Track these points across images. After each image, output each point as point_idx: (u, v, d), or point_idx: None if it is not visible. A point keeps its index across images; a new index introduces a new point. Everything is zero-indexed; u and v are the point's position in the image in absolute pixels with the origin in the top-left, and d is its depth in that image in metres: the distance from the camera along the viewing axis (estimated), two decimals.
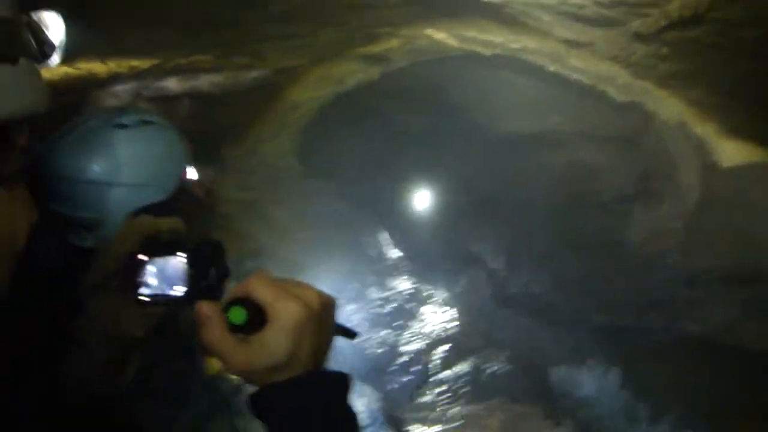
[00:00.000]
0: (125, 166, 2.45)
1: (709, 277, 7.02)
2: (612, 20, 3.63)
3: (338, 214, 8.36)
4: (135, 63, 5.55)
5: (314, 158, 8.69)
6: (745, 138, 4.97)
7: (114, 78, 5.64)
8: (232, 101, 6.90)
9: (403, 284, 8.27)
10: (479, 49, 6.01)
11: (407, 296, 8.12)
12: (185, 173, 2.79)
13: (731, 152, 5.25)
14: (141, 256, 1.48)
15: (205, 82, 6.57)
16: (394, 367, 6.65)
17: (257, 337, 1.20)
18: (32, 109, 1.03)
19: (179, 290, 1.42)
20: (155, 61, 5.59)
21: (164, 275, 1.46)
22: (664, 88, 4.70)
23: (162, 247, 1.51)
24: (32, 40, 1.06)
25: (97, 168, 2.42)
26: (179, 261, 1.43)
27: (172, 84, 6.46)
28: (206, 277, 1.41)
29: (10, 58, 0.98)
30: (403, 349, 7.11)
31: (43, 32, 1.08)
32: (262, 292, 1.21)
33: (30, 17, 1.04)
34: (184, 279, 1.41)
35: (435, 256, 8.71)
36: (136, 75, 5.82)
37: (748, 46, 3.43)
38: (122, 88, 6.07)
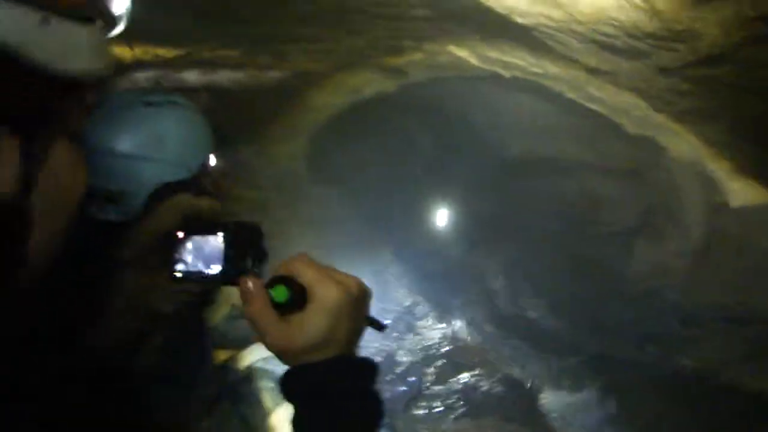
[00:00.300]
0: (153, 141, 2.51)
1: (707, 316, 7.05)
2: (640, 52, 3.66)
3: (344, 221, 8.40)
4: (160, 51, 5.59)
5: (324, 165, 8.72)
6: (756, 179, 5.00)
7: (137, 64, 5.68)
8: (250, 99, 6.94)
9: (403, 297, 8.31)
10: (499, 70, 6.04)
11: (406, 309, 8.15)
12: (209, 157, 2.84)
13: (741, 192, 5.28)
14: (179, 234, 1.51)
15: (225, 77, 6.61)
16: (390, 377, 6.67)
17: (297, 317, 1.23)
18: (103, 69, 1.08)
19: (216, 269, 1.44)
20: (180, 52, 5.63)
21: (201, 254, 1.48)
22: (680, 123, 4.73)
23: (201, 226, 1.53)
24: (104, 7, 1.10)
25: (125, 141, 2.48)
26: (217, 240, 1.45)
27: (193, 76, 6.50)
28: (244, 258, 1.43)
29: (88, 18, 1.02)
30: (399, 359, 7.14)
31: (112, 1, 1.13)
32: (305, 273, 1.24)
33: None
34: (221, 258, 1.43)
35: (436, 272, 8.74)
36: (159, 64, 5.86)
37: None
38: (143, 76, 6.11)
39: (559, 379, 7.20)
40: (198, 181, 2.80)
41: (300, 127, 8.30)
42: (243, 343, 4.50)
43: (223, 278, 1.39)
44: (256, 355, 4.19)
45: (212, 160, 2.97)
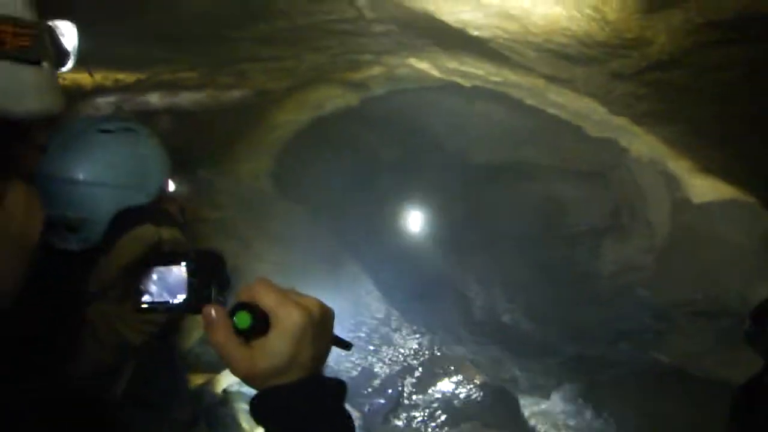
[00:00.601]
0: (109, 167, 2.52)
1: (676, 311, 7.15)
2: (594, 59, 3.71)
3: (312, 237, 8.39)
4: (120, 76, 5.57)
5: (289, 181, 8.71)
6: (716, 176, 5.08)
7: (98, 90, 5.65)
8: (211, 120, 6.91)
9: (376, 309, 8.32)
10: (459, 80, 6.08)
11: (380, 321, 8.16)
12: (167, 181, 2.85)
13: (702, 189, 5.35)
14: (143, 265, 1.52)
15: (186, 99, 6.58)
16: (368, 390, 6.68)
17: (260, 342, 1.25)
18: (52, 109, 1.09)
19: (180, 299, 1.45)
20: (141, 76, 5.61)
21: (166, 284, 1.49)
22: (640, 125, 4.79)
23: (163, 257, 1.54)
24: (51, 46, 1.11)
25: (81, 168, 2.49)
26: (181, 270, 1.46)
27: (154, 99, 6.47)
28: (207, 286, 1.44)
29: (34, 60, 1.03)
30: (377, 372, 7.15)
31: (60, 39, 1.14)
32: (266, 298, 1.26)
33: (48, 24, 1.10)
34: (184, 288, 1.44)
35: (408, 282, 8.76)
36: (120, 88, 5.84)
37: (722, 88, 3.54)
38: (104, 101, 6.07)
39: (537, 381, 7.27)
40: (159, 207, 2.81)
41: (263, 145, 8.28)
42: (218, 366, 4.49)
43: (187, 307, 1.41)
44: (231, 379, 4.19)
45: (171, 185, 2.98)
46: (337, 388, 1.34)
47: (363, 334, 7.85)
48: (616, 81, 3.89)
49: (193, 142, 6.87)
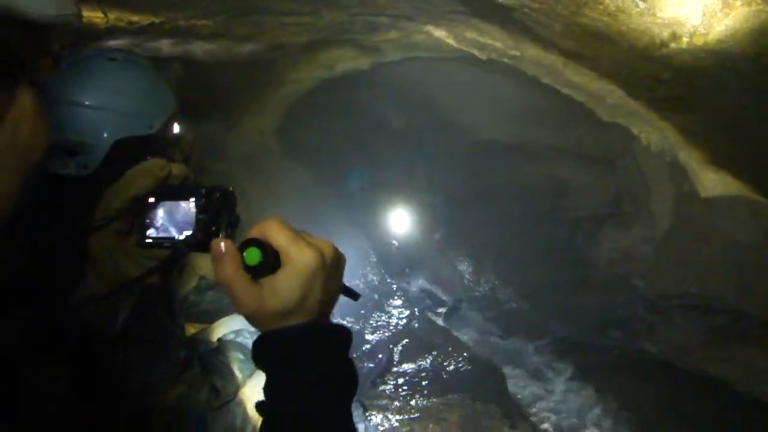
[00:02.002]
0: (114, 93, 2.53)
1: (671, 303, 7.16)
2: (622, 36, 3.66)
3: (313, 197, 8.38)
4: (135, 18, 5.49)
5: (294, 140, 8.68)
6: (728, 170, 5.04)
7: (111, 31, 5.58)
8: (222, 73, 6.86)
9: (371, 275, 8.32)
10: (476, 51, 6.02)
11: (373, 287, 8.17)
12: (172, 121, 2.83)
13: (711, 183, 5.31)
14: (150, 198, 1.49)
15: (199, 48, 6.51)
16: (358, 354, 6.68)
17: (269, 280, 1.22)
18: (70, 15, 1.06)
19: (187, 235, 1.42)
20: (155, 19, 5.54)
21: (173, 219, 1.46)
22: (656, 111, 4.74)
23: (172, 191, 1.51)
24: None
25: (87, 92, 2.50)
26: (190, 206, 1.42)
27: (166, 46, 6.39)
28: (216, 223, 1.41)
29: None
30: (367, 338, 7.16)
31: None
32: (278, 236, 1.23)
33: None
34: (192, 224, 1.41)
35: (403, 252, 8.77)
36: (133, 31, 5.76)
37: (752, 80, 3.49)
38: (116, 44, 6.00)
39: (525, 360, 7.29)
40: (164, 145, 2.78)
41: (271, 102, 8.24)
42: (212, 316, 4.48)
43: (193, 244, 1.37)
44: (226, 328, 4.16)
45: (176, 128, 2.96)
46: (344, 334, 1.31)
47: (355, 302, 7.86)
48: (642, 61, 3.83)
49: (201, 93, 6.82)
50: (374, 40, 6.66)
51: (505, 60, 5.91)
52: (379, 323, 7.56)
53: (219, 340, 4.00)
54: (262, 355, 1.27)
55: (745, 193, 5.26)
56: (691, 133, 4.88)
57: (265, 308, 1.21)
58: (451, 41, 6.04)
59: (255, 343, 1.27)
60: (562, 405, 6.61)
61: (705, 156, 5.09)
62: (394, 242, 8.83)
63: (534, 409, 6.53)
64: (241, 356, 3.74)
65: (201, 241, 1.39)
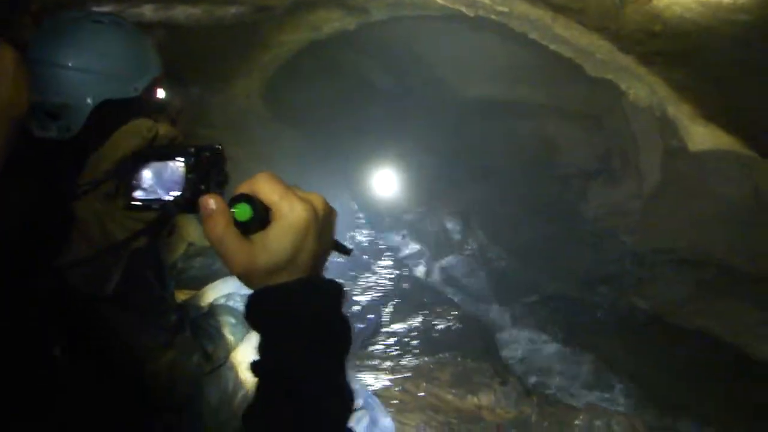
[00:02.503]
0: (98, 55, 2.51)
1: (659, 258, 7.20)
2: None
3: (301, 160, 8.35)
4: None
5: (281, 103, 8.61)
6: (718, 124, 5.03)
7: None
8: (206, 36, 6.79)
9: (360, 236, 8.34)
10: (463, 8, 5.96)
11: (363, 249, 8.18)
12: (157, 84, 2.81)
13: (701, 137, 5.29)
14: (138, 160, 1.46)
15: (181, 13, 6.44)
16: (348, 315, 6.70)
17: (260, 236, 1.20)
18: None
19: (175, 195, 1.39)
20: None
21: (161, 180, 1.43)
22: (647, 65, 4.72)
23: (160, 151, 1.48)
24: None
25: (69, 52, 2.48)
26: (178, 165, 1.40)
27: (148, 11, 6.32)
28: (205, 183, 1.39)
29: None
30: (357, 298, 7.18)
31: None
32: (268, 190, 1.21)
33: None
34: (181, 184, 1.38)
35: (392, 212, 8.77)
36: None
37: (743, 31, 3.47)
38: (98, 10, 5.94)
39: (515, 317, 7.33)
40: (149, 108, 2.76)
41: (257, 65, 8.16)
42: (201, 283, 4.47)
43: (182, 204, 1.35)
44: (216, 292, 4.16)
45: (161, 92, 2.94)
46: (337, 290, 1.29)
47: (344, 260, 7.88)
48: (631, 14, 3.80)
49: (186, 58, 6.76)
50: (360, 0, 6.60)
51: (493, 17, 5.86)
52: (368, 284, 7.59)
53: (210, 304, 4.00)
54: (254, 313, 1.25)
55: (735, 147, 5.26)
56: (681, 87, 4.86)
57: (256, 265, 1.19)
58: None
59: (247, 302, 1.25)
60: (551, 362, 6.66)
61: (695, 110, 5.08)
62: (383, 202, 8.83)
63: (524, 367, 6.58)
64: (232, 320, 3.74)
65: (190, 200, 1.36)
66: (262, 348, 1.25)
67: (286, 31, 7.43)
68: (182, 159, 1.38)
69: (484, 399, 5.53)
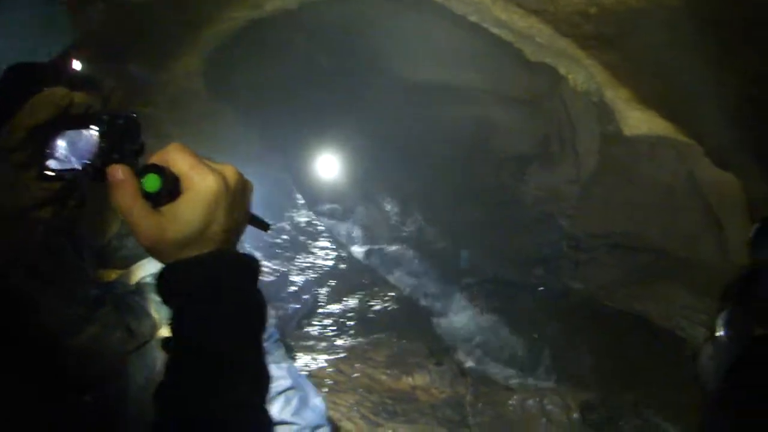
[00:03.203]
0: (7, 18, 2.46)
1: (595, 242, 7.30)
2: None
3: (240, 140, 8.27)
4: None
5: (221, 81, 8.50)
6: (653, 108, 5.11)
7: None
8: (148, 12, 6.65)
9: (298, 217, 8.31)
10: None
11: (300, 229, 8.15)
12: (72, 53, 2.77)
13: (636, 121, 5.37)
14: (53, 128, 1.42)
15: None
16: (283, 295, 6.66)
17: (170, 208, 1.16)
18: None
19: (86, 164, 1.35)
20: None
21: (75, 149, 1.38)
22: (584, 49, 4.77)
23: (75, 120, 1.43)
24: None
25: None
26: (91, 134, 1.35)
27: None
28: (119, 150, 1.34)
29: None
30: (293, 279, 7.15)
31: None
32: (179, 161, 1.17)
33: None
34: (94, 152, 1.34)
35: (331, 192, 8.76)
36: None
37: (676, 14, 3.52)
38: None
39: (453, 299, 7.38)
40: (66, 77, 2.70)
41: (197, 43, 8.03)
42: (134, 261, 4.40)
43: (93, 172, 1.31)
44: (144, 271, 4.10)
45: (77, 64, 2.89)
46: (252, 264, 1.25)
47: (283, 240, 7.85)
48: None
49: (126, 35, 6.62)
50: None
51: None
52: (305, 264, 7.58)
53: (137, 282, 3.94)
54: (165, 287, 1.21)
55: (670, 132, 5.34)
56: (617, 72, 4.92)
57: (166, 237, 1.14)
58: None
59: (157, 276, 1.22)
60: (488, 343, 6.73)
61: (631, 95, 5.15)
62: (323, 184, 8.80)
63: (459, 347, 6.63)
64: (158, 298, 3.68)
65: (101, 169, 1.32)
66: (173, 324, 1.21)
67: (228, 8, 7.33)
68: (96, 127, 1.34)
69: (419, 379, 5.56)
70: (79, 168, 1.32)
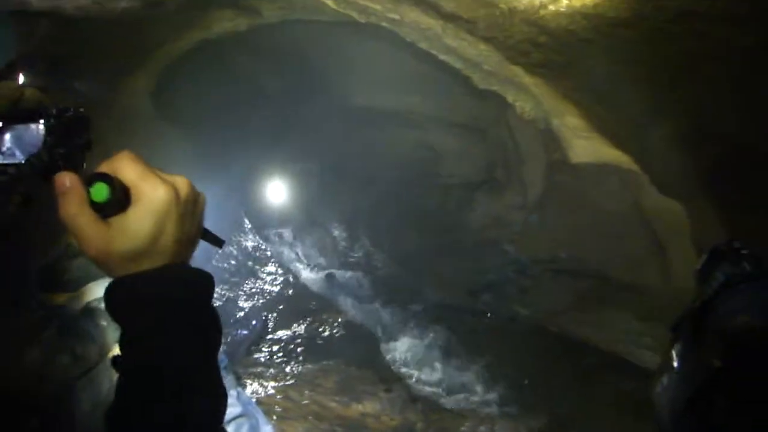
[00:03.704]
0: None
1: (541, 267, 7.37)
2: None
3: (183, 162, 8.17)
4: None
5: (168, 102, 8.42)
6: (599, 136, 5.18)
7: None
8: (95, 29, 6.57)
9: (246, 242, 8.23)
10: (355, 14, 5.96)
11: (248, 255, 8.08)
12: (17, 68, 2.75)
13: (582, 149, 5.44)
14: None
15: (69, 4, 6.21)
16: (231, 321, 6.59)
17: (119, 219, 1.11)
18: None
19: (30, 157, 1.32)
20: None
21: (21, 143, 1.34)
22: (533, 75, 4.82)
23: (23, 114, 1.40)
24: None
25: None
26: (39, 128, 1.32)
27: (36, 0, 6.09)
28: (65, 145, 1.31)
29: None
30: (241, 304, 7.08)
31: None
32: (128, 171, 1.11)
33: None
34: (39, 146, 1.31)
35: (278, 218, 8.72)
36: None
37: (623, 45, 3.58)
38: None
39: (400, 325, 7.37)
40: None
41: (147, 63, 7.96)
42: (80, 284, 4.29)
43: (39, 166, 1.27)
44: (93, 294, 4.02)
45: (21, 77, 2.85)
46: (203, 279, 1.20)
47: (230, 265, 7.77)
48: (519, 24, 3.88)
49: (73, 52, 6.52)
50: (253, 1, 6.53)
51: (384, 24, 5.87)
52: (253, 290, 7.51)
53: (86, 306, 3.86)
54: (113, 303, 1.15)
55: (615, 161, 5.42)
56: (564, 100, 4.98)
57: (113, 249, 1.09)
58: (330, 3, 5.96)
59: (106, 291, 1.17)
60: (436, 369, 6.72)
61: (578, 123, 5.21)
62: (270, 209, 8.75)
63: (408, 374, 6.62)
64: (105, 322, 3.62)
65: (48, 164, 1.28)
66: (123, 342, 1.16)
67: (175, 29, 7.27)
68: (43, 121, 1.31)
69: (369, 406, 5.53)
70: (23, 161, 1.28)
